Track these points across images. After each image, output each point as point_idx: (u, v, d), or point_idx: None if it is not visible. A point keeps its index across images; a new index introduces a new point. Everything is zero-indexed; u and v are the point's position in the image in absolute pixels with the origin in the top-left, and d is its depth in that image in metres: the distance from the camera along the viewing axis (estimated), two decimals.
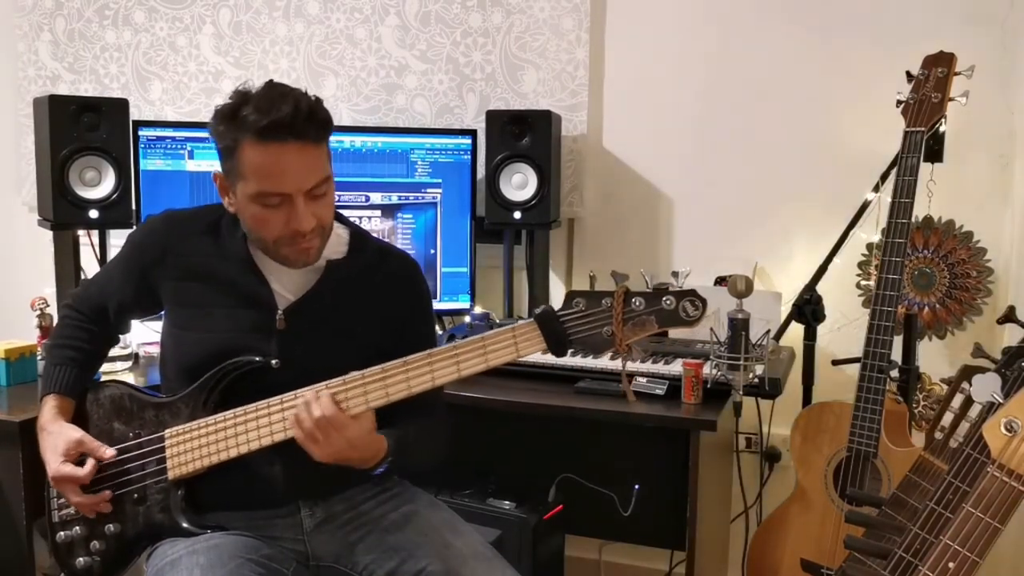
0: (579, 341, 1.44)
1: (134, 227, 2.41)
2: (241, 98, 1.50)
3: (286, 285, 1.63)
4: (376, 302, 1.68)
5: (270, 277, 1.63)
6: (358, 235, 1.72)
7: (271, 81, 1.54)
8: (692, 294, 1.41)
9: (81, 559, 1.62)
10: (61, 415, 1.64)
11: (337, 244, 1.67)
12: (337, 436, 1.45)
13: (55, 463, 1.59)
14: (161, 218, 1.71)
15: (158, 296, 1.67)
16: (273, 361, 1.58)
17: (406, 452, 1.57)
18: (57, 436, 1.61)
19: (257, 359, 1.58)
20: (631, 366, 2.10)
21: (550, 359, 2.18)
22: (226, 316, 1.61)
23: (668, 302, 1.40)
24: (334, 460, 1.47)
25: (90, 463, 1.60)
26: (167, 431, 1.60)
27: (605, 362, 2.17)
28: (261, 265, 1.63)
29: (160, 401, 1.64)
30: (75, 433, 1.61)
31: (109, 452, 1.60)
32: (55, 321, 2.11)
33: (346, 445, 1.46)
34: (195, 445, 1.57)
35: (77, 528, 1.63)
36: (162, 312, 1.72)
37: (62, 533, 1.64)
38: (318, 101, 1.53)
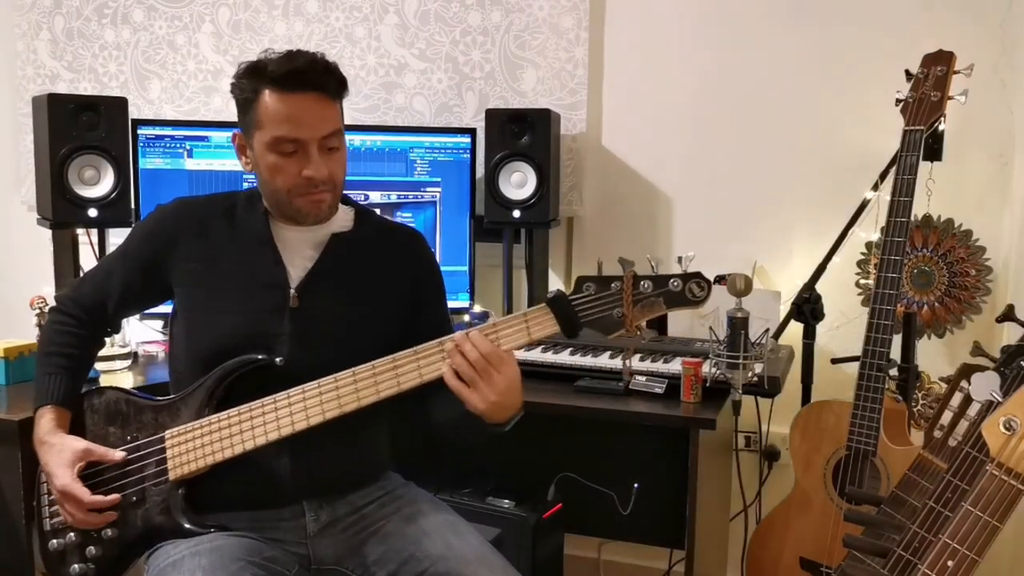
0: (591, 322, 1.48)
1: (133, 226, 2.42)
2: (263, 56, 1.60)
3: (298, 263, 1.66)
4: (384, 275, 1.70)
5: (285, 256, 1.65)
6: (362, 212, 1.77)
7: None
8: (698, 276, 1.47)
9: (76, 566, 1.58)
10: (59, 427, 1.61)
11: (343, 219, 1.73)
12: (498, 375, 1.46)
13: (65, 478, 1.55)
14: (173, 204, 1.73)
15: (167, 283, 1.67)
16: (277, 359, 1.58)
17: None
18: (61, 449, 1.58)
19: (260, 357, 1.58)
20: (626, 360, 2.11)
21: (549, 357, 2.19)
22: (240, 298, 1.63)
23: (675, 283, 1.47)
24: (495, 406, 1.47)
25: (111, 497, 1.56)
26: (167, 432, 1.59)
27: (604, 360, 2.17)
28: (278, 242, 1.66)
29: (158, 404, 1.63)
30: (79, 444, 1.59)
31: (118, 455, 1.58)
32: None
33: (506, 385, 1.47)
34: (197, 444, 1.56)
35: (71, 535, 1.59)
36: (163, 303, 1.72)
37: (54, 541, 1.60)
38: (336, 64, 1.61)
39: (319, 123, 1.58)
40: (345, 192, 1.72)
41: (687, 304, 1.47)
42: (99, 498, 1.56)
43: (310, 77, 1.56)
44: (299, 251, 1.67)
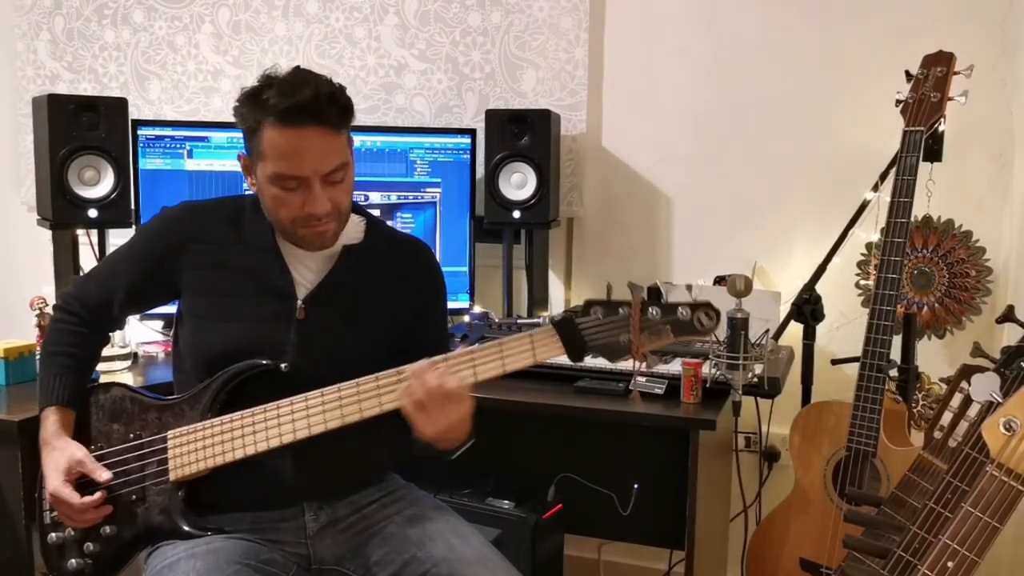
0: (597, 348, 1.48)
1: (133, 226, 2.42)
2: (265, 81, 1.54)
3: (306, 274, 1.64)
4: (391, 287, 1.69)
5: (292, 266, 1.64)
6: (373, 223, 1.75)
7: (298, 67, 1.58)
8: (707, 306, 1.44)
9: (73, 561, 1.60)
10: (64, 430, 1.62)
11: (353, 231, 1.70)
12: (451, 408, 1.46)
13: (55, 481, 1.57)
14: (180, 208, 1.72)
15: (175, 285, 1.66)
16: (283, 365, 1.57)
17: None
18: (60, 453, 1.59)
19: (264, 362, 1.58)
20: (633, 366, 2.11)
21: None
22: (246, 306, 1.62)
23: (683, 312, 1.44)
24: (442, 434, 1.47)
25: (96, 495, 1.57)
26: (170, 432, 1.59)
27: (604, 361, 2.16)
28: (285, 253, 1.64)
29: (163, 403, 1.63)
30: (78, 452, 1.59)
31: (105, 476, 1.58)
32: None
33: (458, 418, 1.47)
34: (199, 446, 1.56)
35: (70, 530, 1.60)
36: (169, 303, 1.72)
37: (53, 535, 1.62)
38: (341, 88, 1.56)
39: (322, 159, 1.53)
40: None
41: (695, 333, 1.45)
42: (88, 499, 1.56)
43: (312, 110, 1.50)
44: (307, 261, 1.65)
